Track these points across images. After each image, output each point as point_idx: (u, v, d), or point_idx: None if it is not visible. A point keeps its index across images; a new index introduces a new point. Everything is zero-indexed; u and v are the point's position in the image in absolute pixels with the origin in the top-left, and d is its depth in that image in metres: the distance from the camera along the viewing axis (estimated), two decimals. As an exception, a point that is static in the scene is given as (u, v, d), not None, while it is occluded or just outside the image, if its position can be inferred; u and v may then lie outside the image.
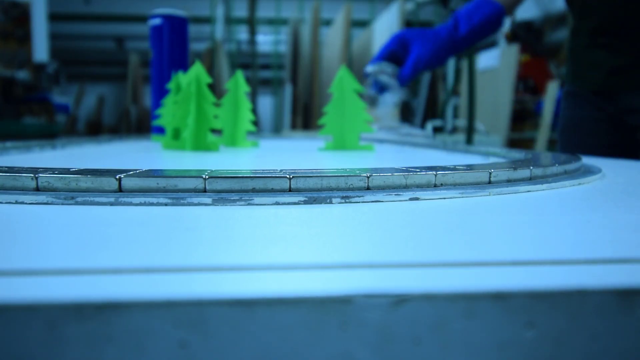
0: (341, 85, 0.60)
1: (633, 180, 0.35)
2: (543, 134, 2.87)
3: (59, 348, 0.11)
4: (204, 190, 0.22)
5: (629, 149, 0.76)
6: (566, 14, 3.06)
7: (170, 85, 0.64)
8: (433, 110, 3.13)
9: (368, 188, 0.24)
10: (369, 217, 0.20)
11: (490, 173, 0.27)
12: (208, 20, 4.34)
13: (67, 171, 0.23)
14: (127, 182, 0.22)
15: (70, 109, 4.90)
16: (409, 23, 3.17)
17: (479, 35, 0.78)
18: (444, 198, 0.24)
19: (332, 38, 3.18)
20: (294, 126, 3.48)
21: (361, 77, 0.89)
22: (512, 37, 3.69)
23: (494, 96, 3.03)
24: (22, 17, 2.98)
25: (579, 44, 0.81)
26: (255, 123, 0.69)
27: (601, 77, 0.77)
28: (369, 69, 0.77)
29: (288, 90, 3.55)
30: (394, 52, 0.77)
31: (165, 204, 0.21)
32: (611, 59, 0.76)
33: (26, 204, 0.21)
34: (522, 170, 0.28)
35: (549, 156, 0.39)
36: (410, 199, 0.23)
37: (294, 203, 0.22)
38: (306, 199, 0.22)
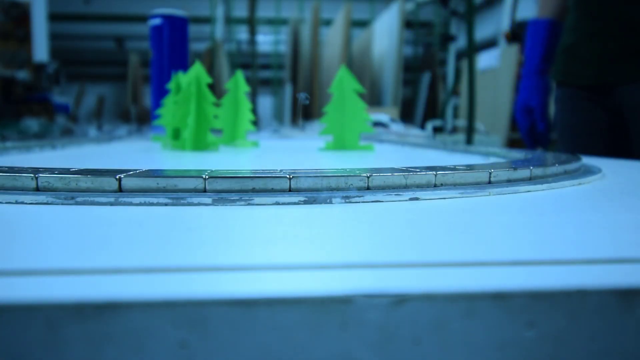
0: (341, 85, 0.60)
1: (633, 180, 0.35)
2: (543, 134, 2.86)
3: (59, 348, 0.11)
4: (204, 190, 0.22)
5: (630, 149, 0.75)
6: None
7: (170, 85, 0.64)
8: (433, 110, 3.13)
9: (368, 188, 0.24)
10: (369, 217, 0.20)
11: (490, 173, 0.27)
12: (208, 20, 4.33)
13: (67, 171, 0.23)
14: (127, 182, 0.22)
15: (70, 109, 4.90)
16: (408, 23, 3.17)
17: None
18: (444, 198, 0.24)
19: (332, 38, 3.18)
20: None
21: (361, 77, 0.90)
22: (512, 37, 3.69)
23: (494, 96, 3.03)
24: (22, 17, 2.97)
25: (568, 40, 0.80)
26: (256, 123, 0.69)
27: (594, 70, 0.76)
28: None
29: (288, 90, 3.54)
30: None
31: (165, 204, 0.21)
32: (602, 49, 0.74)
33: (26, 204, 0.21)
34: (522, 170, 0.28)
35: (549, 156, 0.39)
36: (410, 199, 0.23)
37: (294, 203, 0.22)
38: (306, 199, 0.22)
